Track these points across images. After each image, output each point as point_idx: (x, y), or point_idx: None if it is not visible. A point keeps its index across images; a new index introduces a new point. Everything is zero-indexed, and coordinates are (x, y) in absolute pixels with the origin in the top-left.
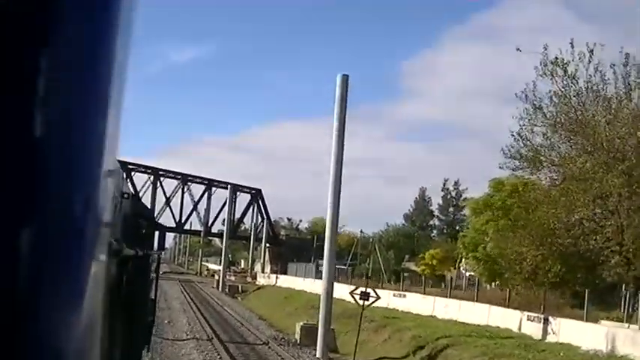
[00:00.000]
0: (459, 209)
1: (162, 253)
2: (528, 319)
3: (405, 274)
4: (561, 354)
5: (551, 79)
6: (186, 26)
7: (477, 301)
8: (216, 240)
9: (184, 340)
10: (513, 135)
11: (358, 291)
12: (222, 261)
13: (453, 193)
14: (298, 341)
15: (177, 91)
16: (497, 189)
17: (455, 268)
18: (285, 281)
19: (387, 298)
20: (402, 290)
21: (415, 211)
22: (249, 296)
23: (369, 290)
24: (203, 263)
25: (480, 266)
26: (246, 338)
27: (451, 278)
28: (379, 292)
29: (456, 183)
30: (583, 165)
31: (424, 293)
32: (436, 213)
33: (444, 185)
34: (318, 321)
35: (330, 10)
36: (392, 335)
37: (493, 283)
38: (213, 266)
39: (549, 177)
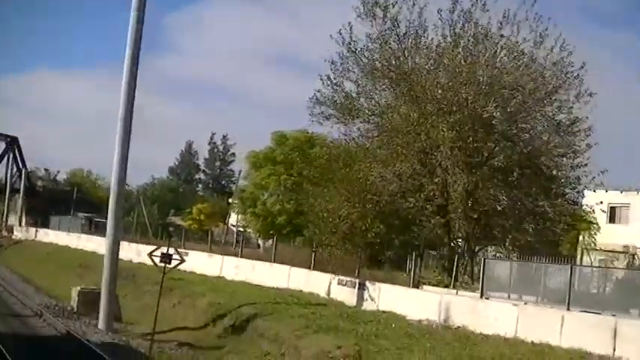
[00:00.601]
0: (226, 164)
1: None
2: (339, 284)
3: (171, 229)
4: (393, 325)
5: (370, 21)
6: None
7: (274, 261)
8: None
9: None
10: (322, 80)
11: (158, 252)
12: None
13: (221, 148)
14: (75, 309)
15: None
16: (279, 142)
17: (224, 224)
18: (46, 235)
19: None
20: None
21: (181, 165)
22: (6, 252)
23: (171, 251)
24: None
25: (259, 222)
26: (11, 308)
27: (224, 234)
28: (147, 247)
29: (224, 137)
30: (407, 115)
31: (210, 251)
32: (202, 167)
33: (211, 139)
34: (96, 285)
35: None
36: (182, 300)
37: (271, 241)
38: None
39: (365, 129)
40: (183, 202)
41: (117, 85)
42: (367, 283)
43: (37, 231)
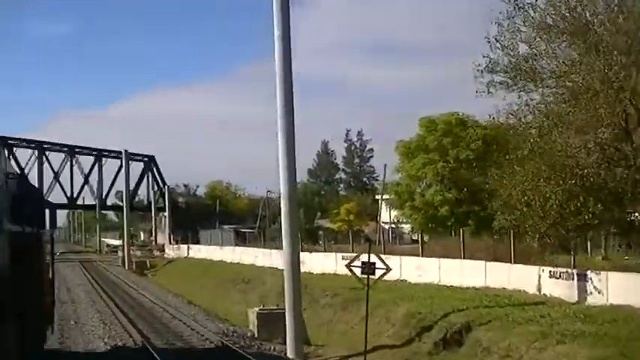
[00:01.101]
0: (365, 160)
1: (55, 231)
2: (552, 276)
3: (320, 232)
4: None
5: None
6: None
7: (464, 256)
8: (110, 213)
9: (103, 352)
10: (490, 42)
11: (357, 262)
12: (125, 235)
13: (357, 144)
14: (256, 334)
15: (44, 68)
16: (429, 128)
17: (376, 222)
18: (199, 252)
19: (331, 263)
20: (352, 250)
21: (319, 166)
22: (161, 272)
23: (373, 258)
24: (101, 239)
25: (419, 216)
26: (188, 340)
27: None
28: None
29: (359, 133)
30: (606, 70)
31: (385, 253)
32: (341, 166)
33: (347, 136)
34: (262, 301)
35: None
36: (372, 312)
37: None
38: (112, 241)
39: (549, 93)
40: (326, 204)
41: (235, 96)
42: (589, 273)
43: (188, 248)
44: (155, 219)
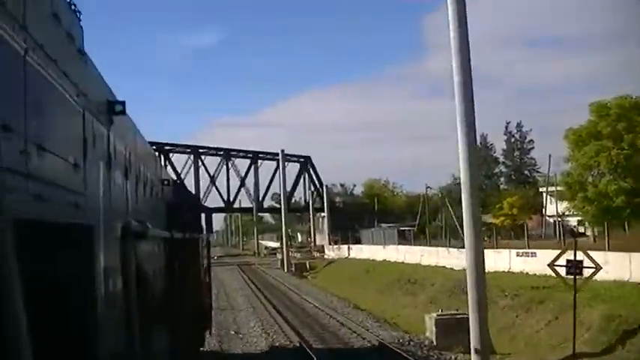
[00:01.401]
0: (525, 152)
1: (212, 235)
2: None
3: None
4: None
5: None
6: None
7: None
8: (267, 216)
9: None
10: None
11: (562, 260)
12: (283, 237)
13: (517, 136)
14: (434, 342)
15: (198, 78)
16: (601, 114)
17: (541, 215)
18: (360, 251)
19: (503, 260)
20: (528, 247)
21: (478, 160)
22: (321, 274)
23: (579, 256)
24: (259, 241)
25: (592, 208)
26: (362, 352)
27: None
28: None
29: (518, 125)
30: None
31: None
32: (501, 159)
33: (506, 129)
34: (426, 304)
35: None
36: (559, 316)
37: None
38: (270, 243)
39: None
40: (487, 199)
41: (386, 94)
42: None
43: (349, 248)
44: (313, 219)
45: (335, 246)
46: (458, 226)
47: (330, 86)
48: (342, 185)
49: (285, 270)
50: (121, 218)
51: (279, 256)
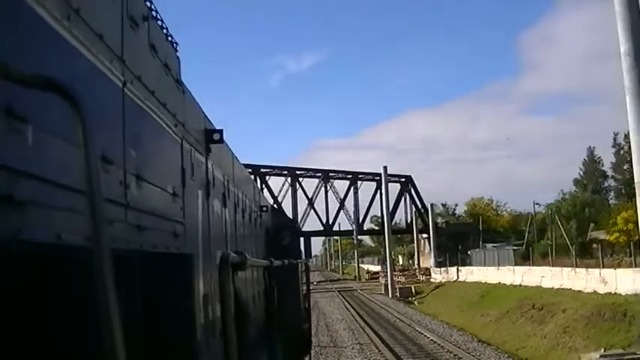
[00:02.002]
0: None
1: (311, 260)
2: None
3: (594, 246)
4: None
5: None
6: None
7: None
8: (366, 238)
9: None
10: None
11: None
12: (388, 260)
13: (626, 148)
14: None
15: (300, 99)
16: None
17: None
18: (471, 274)
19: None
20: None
21: (586, 175)
22: (430, 299)
23: None
24: (359, 265)
25: None
26: None
27: None
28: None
29: (626, 136)
30: None
31: None
32: (610, 173)
33: (615, 141)
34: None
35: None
36: None
37: None
38: (371, 267)
39: None
40: (596, 215)
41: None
42: None
43: (458, 270)
44: (417, 241)
45: (442, 268)
46: (569, 244)
47: (435, 106)
48: (443, 205)
49: (390, 295)
50: (220, 247)
51: (382, 280)
